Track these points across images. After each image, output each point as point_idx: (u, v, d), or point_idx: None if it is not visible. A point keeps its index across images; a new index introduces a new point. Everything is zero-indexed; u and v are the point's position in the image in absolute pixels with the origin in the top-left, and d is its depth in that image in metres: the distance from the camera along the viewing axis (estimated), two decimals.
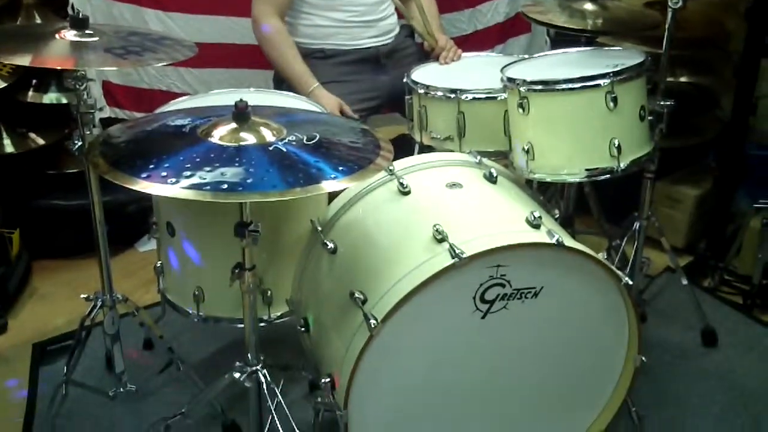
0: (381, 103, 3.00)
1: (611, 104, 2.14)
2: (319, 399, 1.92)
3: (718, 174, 3.43)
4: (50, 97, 3.24)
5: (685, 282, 2.83)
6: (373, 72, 2.99)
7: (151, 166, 1.60)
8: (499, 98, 2.41)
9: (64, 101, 3.20)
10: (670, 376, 2.66)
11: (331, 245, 2.01)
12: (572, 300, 1.92)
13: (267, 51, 2.86)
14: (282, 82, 2.92)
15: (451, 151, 2.47)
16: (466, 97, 2.46)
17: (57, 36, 2.04)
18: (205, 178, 1.55)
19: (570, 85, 2.17)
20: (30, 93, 3.22)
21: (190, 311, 2.26)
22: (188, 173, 1.56)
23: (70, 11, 3.08)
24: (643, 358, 2.03)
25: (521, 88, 2.21)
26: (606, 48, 2.71)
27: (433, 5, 3.12)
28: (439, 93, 2.52)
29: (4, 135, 3.22)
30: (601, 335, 2.02)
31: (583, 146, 2.21)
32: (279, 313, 2.24)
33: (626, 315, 1.99)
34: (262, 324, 2.18)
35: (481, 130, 2.48)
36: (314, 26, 2.91)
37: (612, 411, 2.11)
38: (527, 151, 2.23)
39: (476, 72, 2.75)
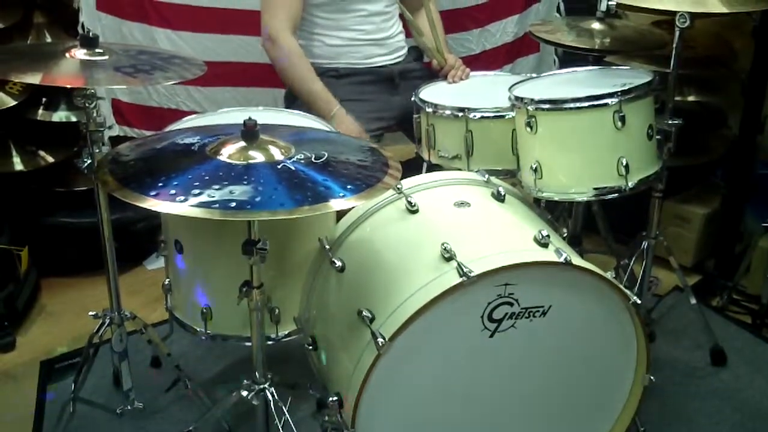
0: (394, 123, 3.00)
1: (619, 123, 2.15)
2: (327, 417, 1.91)
3: (727, 193, 3.42)
4: (60, 115, 3.25)
5: (693, 301, 2.82)
6: (387, 92, 2.99)
7: (160, 184, 1.60)
8: (507, 117, 2.41)
9: (74, 119, 3.22)
10: (678, 396, 2.65)
11: (339, 263, 2.01)
12: (580, 319, 1.91)
13: (283, 71, 2.83)
14: (294, 101, 2.93)
15: (459, 169, 2.47)
16: (474, 116, 2.46)
17: (67, 54, 2.05)
18: (213, 196, 1.56)
19: (578, 104, 2.17)
20: (40, 111, 3.24)
21: (198, 329, 2.25)
22: (197, 191, 1.57)
23: (80, 30, 3.10)
24: (652, 378, 2.02)
25: (529, 107, 2.21)
26: (614, 67, 2.71)
27: (440, 25, 3.13)
28: (448, 112, 2.52)
29: (14, 153, 3.23)
30: (609, 354, 2.01)
31: (591, 165, 2.22)
32: (287, 332, 2.23)
33: (635, 334, 1.99)
34: (269, 342, 2.18)
35: (489, 148, 2.48)
36: (326, 46, 2.91)
37: (620, 430, 2.10)
38: (535, 170, 2.24)
39: (484, 91, 2.76)
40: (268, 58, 2.86)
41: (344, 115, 2.74)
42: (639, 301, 1.90)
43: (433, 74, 2.98)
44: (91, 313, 2.36)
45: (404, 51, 3.12)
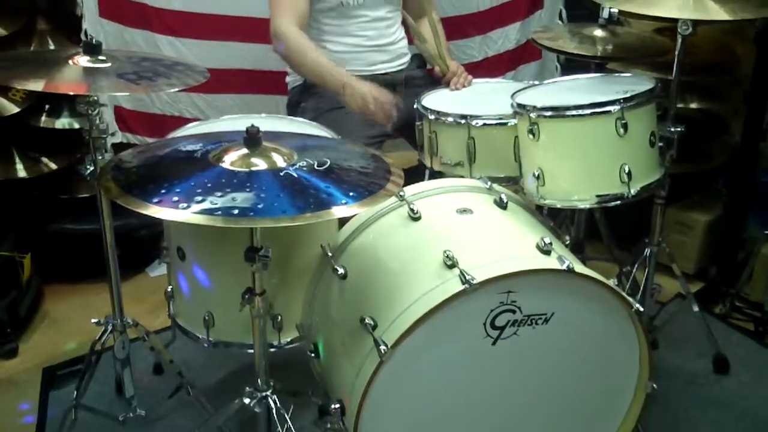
0: (395, 130, 2.99)
1: (621, 130, 2.15)
2: (329, 425, 1.91)
3: (729, 200, 3.42)
4: (63, 122, 3.26)
5: (696, 308, 2.81)
6: None
7: (163, 191, 1.61)
8: (509, 124, 2.41)
9: (77, 126, 3.23)
10: (681, 404, 2.65)
11: (341, 270, 2.01)
12: (583, 326, 1.91)
13: (292, 57, 2.82)
14: (297, 106, 2.93)
15: (462, 176, 2.48)
16: (477, 123, 2.46)
17: (70, 61, 2.05)
18: (216, 203, 1.56)
19: (580, 111, 2.17)
20: (43, 118, 3.25)
21: (200, 336, 2.26)
22: (199, 198, 1.57)
23: (83, 37, 3.11)
24: (654, 385, 2.01)
25: (531, 114, 2.21)
26: (616, 74, 2.72)
27: (442, 32, 3.13)
28: (450, 119, 2.52)
29: (17, 160, 3.24)
30: (611, 362, 2.01)
31: (593, 172, 2.22)
32: (289, 339, 2.24)
33: (637, 341, 1.98)
34: (272, 349, 2.18)
35: (492, 155, 2.48)
36: (329, 53, 2.91)
37: None
38: (537, 177, 2.24)
39: (487, 98, 2.76)
40: (280, 57, 2.86)
41: (356, 81, 2.69)
42: (641, 309, 1.90)
43: (436, 81, 2.98)
44: (93, 320, 2.36)
45: (407, 58, 3.12)
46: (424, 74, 3.14)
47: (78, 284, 3.32)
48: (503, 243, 2.00)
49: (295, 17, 2.79)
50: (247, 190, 1.61)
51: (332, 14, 2.89)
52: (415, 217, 2.03)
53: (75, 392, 2.39)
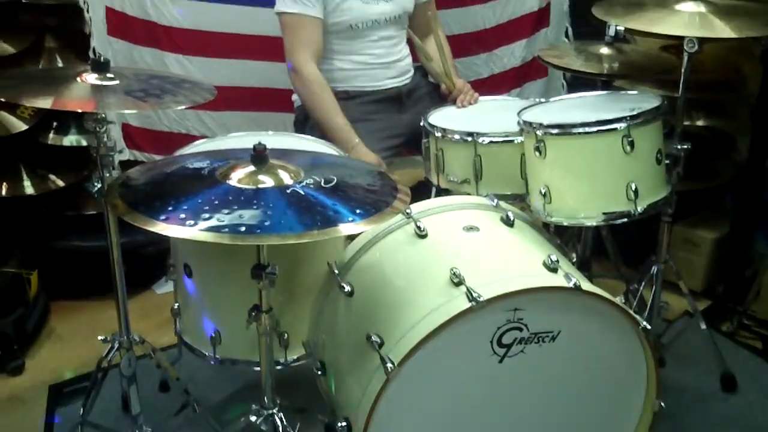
0: (404, 141, 3.01)
1: (628, 148, 2.15)
2: None
3: (736, 217, 3.41)
4: (70, 139, 3.27)
5: (703, 326, 2.80)
6: (396, 111, 3.03)
7: (170, 208, 1.61)
8: (516, 141, 2.42)
9: (84, 143, 3.23)
10: (689, 422, 2.63)
11: (348, 288, 2.01)
12: (590, 344, 1.91)
13: (306, 100, 2.89)
14: (303, 125, 2.95)
15: (468, 194, 2.48)
16: (483, 141, 2.47)
17: (78, 79, 2.05)
18: (223, 221, 1.56)
19: (586, 129, 2.18)
20: (51, 135, 3.25)
21: (207, 353, 2.26)
22: (206, 215, 1.58)
23: (91, 54, 3.12)
24: (662, 403, 2.01)
25: (538, 132, 2.22)
26: (622, 92, 2.72)
27: (448, 50, 3.14)
28: (456, 136, 2.53)
29: (25, 176, 3.24)
30: (619, 380, 2.00)
31: (600, 190, 2.22)
32: (296, 356, 2.23)
33: (644, 359, 1.98)
34: (278, 366, 2.18)
35: (498, 173, 2.48)
36: (337, 70, 2.94)
37: None
38: (544, 195, 2.24)
39: (493, 115, 2.76)
40: (294, 89, 2.91)
41: (362, 149, 2.77)
42: (649, 326, 1.90)
43: (442, 96, 3.00)
44: (100, 337, 2.35)
45: (411, 73, 3.14)
46: (427, 82, 3.15)
47: (84, 301, 3.32)
48: (510, 260, 2.00)
49: (312, 52, 2.84)
50: (254, 207, 1.62)
51: (341, 36, 2.91)
52: (421, 234, 2.04)
53: (81, 409, 2.38)
